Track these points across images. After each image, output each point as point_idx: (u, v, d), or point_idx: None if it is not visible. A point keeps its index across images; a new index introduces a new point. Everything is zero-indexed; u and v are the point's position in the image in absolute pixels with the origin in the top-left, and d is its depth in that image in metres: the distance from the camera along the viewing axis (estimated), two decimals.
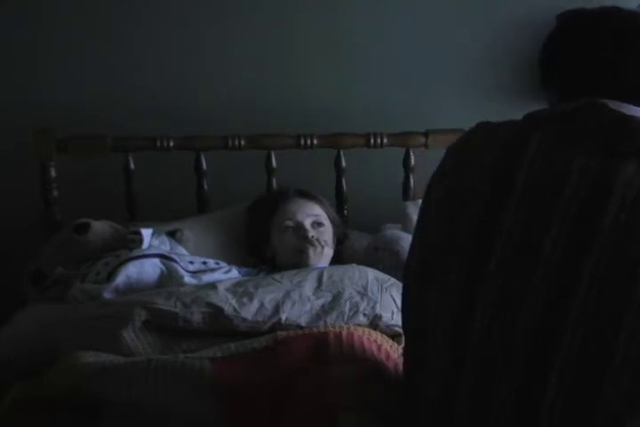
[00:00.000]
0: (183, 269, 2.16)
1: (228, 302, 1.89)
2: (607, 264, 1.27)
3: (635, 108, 1.41)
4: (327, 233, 2.33)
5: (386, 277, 2.06)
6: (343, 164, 2.65)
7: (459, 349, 1.36)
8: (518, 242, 1.33)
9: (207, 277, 2.15)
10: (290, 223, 2.31)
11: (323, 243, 2.27)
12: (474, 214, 1.37)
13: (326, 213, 2.39)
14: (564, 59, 1.52)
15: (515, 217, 1.33)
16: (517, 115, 2.94)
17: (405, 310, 1.54)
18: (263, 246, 2.35)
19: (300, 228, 2.29)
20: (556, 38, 1.57)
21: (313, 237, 2.27)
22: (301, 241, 2.26)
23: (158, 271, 2.15)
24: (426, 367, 1.42)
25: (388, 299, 1.96)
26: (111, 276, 2.10)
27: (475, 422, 1.35)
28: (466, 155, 1.46)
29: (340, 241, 2.42)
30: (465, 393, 1.35)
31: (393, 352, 1.79)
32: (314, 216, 2.34)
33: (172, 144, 2.56)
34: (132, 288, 2.08)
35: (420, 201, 2.43)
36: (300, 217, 2.31)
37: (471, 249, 1.36)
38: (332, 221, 2.39)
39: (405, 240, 2.30)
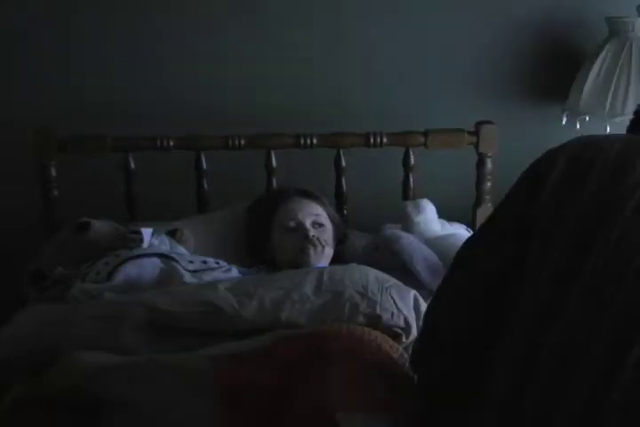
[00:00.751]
0: (183, 268, 2.15)
1: (228, 302, 1.89)
2: None
3: None
4: (328, 233, 2.33)
5: (386, 277, 2.06)
6: (343, 163, 2.65)
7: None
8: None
9: (207, 277, 2.15)
10: (291, 223, 2.31)
11: (323, 243, 2.27)
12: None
13: (327, 212, 2.39)
14: None
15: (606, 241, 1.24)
16: (517, 114, 2.97)
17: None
18: (263, 246, 2.35)
19: (300, 227, 2.29)
20: None
21: (314, 236, 2.27)
22: (302, 241, 2.26)
23: (158, 271, 2.15)
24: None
25: (389, 299, 1.96)
26: (111, 275, 2.10)
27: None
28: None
29: (340, 241, 2.42)
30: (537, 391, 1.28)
31: (393, 352, 1.79)
32: (315, 216, 2.33)
33: (171, 144, 2.56)
34: (132, 288, 2.08)
35: (424, 200, 2.47)
36: (300, 217, 2.31)
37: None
38: (333, 221, 2.39)
39: (405, 240, 2.31)
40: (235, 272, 2.23)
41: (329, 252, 2.29)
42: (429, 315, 1.52)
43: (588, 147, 1.34)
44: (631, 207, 1.25)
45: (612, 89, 2.58)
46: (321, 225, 2.33)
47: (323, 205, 2.40)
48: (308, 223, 2.31)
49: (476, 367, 1.39)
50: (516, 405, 1.26)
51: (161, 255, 2.19)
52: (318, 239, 2.26)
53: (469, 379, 1.40)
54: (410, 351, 1.90)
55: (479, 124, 2.61)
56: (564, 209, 1.29)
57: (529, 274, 1.31)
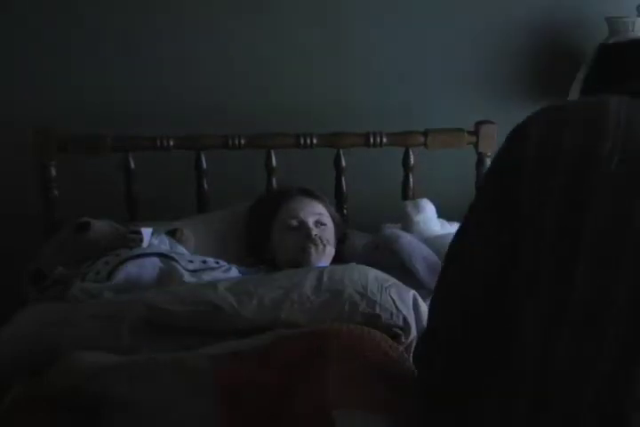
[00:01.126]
0: (183, 268, 2.16)
1: (227, 301, 1.89)
2: None
3: None
4: (330, 232, 2.33)
5: (386, 277, 2.05)
6: (343, 163, 2.65)
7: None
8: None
9: (207, 277, 2.15)
10: (293, 222, 2.30)
11: (325, 242, 2.27)
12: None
13: (329, 212, 2.39)
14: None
15: (609, 187, 1.25)
16: (517, 114, 2.96)
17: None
18: (264, 245, 2.35)
19: (303, 226, 2.29)
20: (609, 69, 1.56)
21: (316, 235, 2.27)
22: (304, 239, 2.26)
23: (158, 270, 2.15)
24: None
25: (388, 299, 1.96)
26: (111, 275, 2.10)
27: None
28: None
29: (340, 240, 2.42)
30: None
31: (392, 352, 1.79)
32: (317, 215, 2.33)
33: (172, 144, 2.56)
34: (132, 287, 2.08)
35: (424, 200, 2.47)
36: (303, 215, 2.31)
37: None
38: (334, 221, 2.39)
39: (405, 239, 2.31)
40: (234, 272, 2.23)
41: (330, 251, 2.29)
42: (429, 313, 1.52)
43: (553, 124, 1.34)
44: (614, 165, 1.26)
45: None
46: (323, 224, 2.33)
47: (325, 204, 2.40)
48: (310, 222, 2.31)
49: (474, 366, 1.39)
50: (543, 366, 1.26)
51: (161, 255, 2.19)
52: (320, 238, 2.26)
53: (468, 378, 1.40)
54: (410, 351, 1.91)
55: (479, 123, 2.61)
56: (548, 183, 1.28)
57: (527, 255, 1.30)
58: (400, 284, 2.05)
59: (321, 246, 2.25)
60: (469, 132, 2.62)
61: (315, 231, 2.28)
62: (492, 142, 2.60)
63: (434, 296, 1.49)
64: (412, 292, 2.04)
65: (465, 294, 1.40)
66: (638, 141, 1.27)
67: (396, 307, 1.95)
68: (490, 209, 1.36)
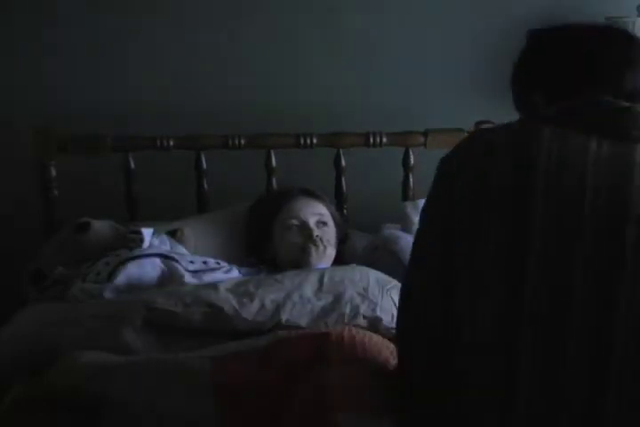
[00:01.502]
0: (184, 268, 2.15)
1: (228, 302, 1.89)
2: None
3: None
4: (331, 233, 2.33)
5: (387, 279, 2.06)
6: (343, 163, 2.65)
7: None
8: (554, 241, 1.34)
9: (208, 277, 2.15)
10: (294, 222, 2.30)
11: (326, 242, 2.26)
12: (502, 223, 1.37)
13: (330, 212, 2.38)
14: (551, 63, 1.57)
15: (544, 213, 1.34)
16: (516, 114, 2.94)
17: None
18: (265, 245, 2.35)
19: (304, 226, 2.29)
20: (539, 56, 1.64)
21: (317, 236, 2.26)
22: (305, 240, 2.26)
23: (159, 271, 2.15)
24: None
25: (389, 301, 1.96)
26: (111, 275, 2.10)
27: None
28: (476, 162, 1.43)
29: (342, 241, 2.41)
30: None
31: (393, 357, 1.79)
32: (318, 215, 2.33)
33: (172, 144, 2.57)
34: (133, 288, 2.08)
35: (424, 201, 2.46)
36: (304, 216, 2.31)
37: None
38: (335, 221, 2.38)
39: (404, 240, 2.30)
40: (235, 273, 2.23)
41: (331, 252, 2.29)
42: (398, 316, 1.56)
43: (483, 162, 1.41)
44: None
45: None
46: (325, 225, 2.32)
47: (326, 204, 2.39)
48: (312, 223, 2.30)
49: (448, 363, 1.42)
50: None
51: (161, 255, 2.18)
52: (321, 239, 2.26)
53: (448, 376, 1.42)
54: None
55: (479, 123, 2.61)
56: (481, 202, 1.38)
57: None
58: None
59: (321, 247, 2.25)
60: (469, 133, 2.61)
61: (316, 232, 2.28)
62: None
63: (400, 298, 1.54)
64: None
65: (428, 297, 1.46)
66: (568, 173, 1.34)
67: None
68: (438, 235, 1.44)
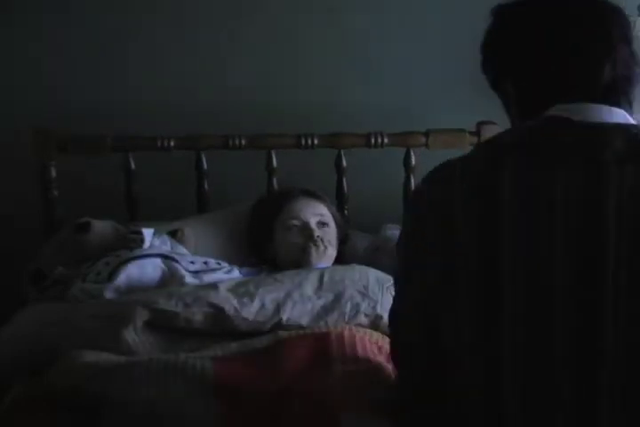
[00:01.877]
0: (184, 268, 2.15)
1: (229, 302, 1.89)
2: (628, 247, 1.27)
3: (602, 107, 1.37)
4: (331, 233, 2.33)
5: (387, 277, 2.05)
6: (344, 163, 2.65)
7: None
8: (526, 268, 1.31)
9: (208, 278, 2.15)
10: (295, 222, 2.30)
11: (326, 243, 2.27)
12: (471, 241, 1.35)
13: (331, 212, 2.38)
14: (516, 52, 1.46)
15: (511, 240, 1.31)
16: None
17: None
18: (266, 245, 2.35)
19: (305, 227, 2.29)
20: (502, 31, 1.52)
21: (318, 236, 2.26)
22: (306, 240, 2.26)
23: (159, 271, 2.14)
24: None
25: (389, 299, 1.95)
26: (112, 275, 2.10)
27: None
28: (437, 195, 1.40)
29: (342, 242, 2.41)
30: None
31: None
32: (319, 216, 2.33)
33: (172, 144, 2.56)
34: (133, 288, 2.08)
35: None
36: (305, 216, 2.31)
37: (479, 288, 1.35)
38: (336, 221, 2.38)
39: None
40: (236, 273, 2.23)
41: (332, 252, 2.29)
42: (391, 319, 1.55)
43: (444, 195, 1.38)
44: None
45: None
46: (325, 225, 2.32)
47: (327, 205, 2.39)
48: (312, 223, 2.30)
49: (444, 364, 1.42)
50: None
51: (162, 256, 2.18)
52: (322, 239, 2.26)
53: (447, 378, 1.42)
54: None
55: (480, 124, 2.61)
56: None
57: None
58: None
59: (322, 247, 2.25)
60: (471, 133, 2.61)
61: (317, 232, 2.28)
62: None
63: (395, 307, 1.53)
64: None
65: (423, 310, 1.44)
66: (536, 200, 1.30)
67: None
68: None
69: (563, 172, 1.30)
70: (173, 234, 2.35)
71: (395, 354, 1.56)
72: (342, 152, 2.64)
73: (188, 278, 2.12)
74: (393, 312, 1.54)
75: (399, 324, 1.52)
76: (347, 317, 1.91)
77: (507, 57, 1.48)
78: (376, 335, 1.85)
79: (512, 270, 1.31)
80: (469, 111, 2.72)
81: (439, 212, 1.37)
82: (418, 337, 1.45)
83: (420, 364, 1.47)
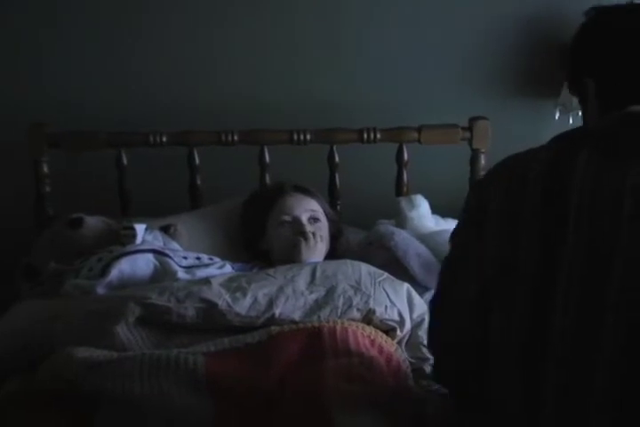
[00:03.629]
0: (177, 264, 2.15)
1: (221, 297, 1.89)
2: None
3: None
4: (323, 229, 2.33)
5: (379, 271, 2.06)
6: (336, 159, 2.65)
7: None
8: (584, 268, 1.31)
9: (201, 273, 2.15)
10: (287, 218, 2.30)
11: (318, 238, 2.26)
12: (531, 244, 1.36)
13: (323, 208, 2.38)
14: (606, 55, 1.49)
15: (575, 243, 1.32)
16: (510, 110, 2.96)
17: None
18: (258, 241, 2.35)
19: (296, 222, 2.29)
20: (592, 33, 1.55)
21: (310, 231, 2.26)
22: (297, 236, 2.26)
23: (152, 267, 2.14)
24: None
25: (382, 293, 1.96)
26: (104, 271, 2.09)
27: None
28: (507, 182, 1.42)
29: (335, 237, 2.41)
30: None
31: (387, 346, 1.79)
32: (311, 211, 2.33)
33: (164, 139, 2.56)
34: (126, 284, 2.08)
35: (418, 196, 2.47)
36: (297, 212, 2.31)
37: (535, 278, 1.35)
38: (329, 217, 2.38)
39: (399, 236, 2.30)
40: (228, 268, 2.22)
41: (322, 247, 2.29)
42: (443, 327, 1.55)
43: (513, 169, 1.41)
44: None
45: None
46: (317, 220, 2.32)
47: (319, 200, 2.39)
48: (304, 219, 2.30)
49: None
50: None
51: (154, 251, 2.18)
52: (313, 234, 2.26)
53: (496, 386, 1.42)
54: (403, 345, 1.92)
55: (473, 119, 2.61)
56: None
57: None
58: (393, 278, 2.05)
59: (312, 242, 2.24)
60: (463, 129, 2.61)
61: (309, 228, 2.28)
62: (486, 138, 2.60)
63: (437, 313, 1.53)
64: (406, 285, 2.05)
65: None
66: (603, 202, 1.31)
67: (390, 300, 1.95)
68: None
69: (637, 166, 1.31)
70: (166, 229, 2.35)
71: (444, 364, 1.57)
72: (335, 148, 2.64)
73: (181, 274, 2.12)
74: (438, 302, 1.54)
75: (445, 318, 1.52)
76: (339, 311, 1.90)
77: (595, 55, 1.52)
78: (369, 329, 1.85)
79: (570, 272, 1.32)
80: (462, 107, 2.73)
81: (505, 201, 1.39)
82: (467, 332, 1.46)
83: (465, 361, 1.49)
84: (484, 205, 1.43)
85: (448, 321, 1.51)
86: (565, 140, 1.43)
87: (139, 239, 2.22)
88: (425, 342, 1.93)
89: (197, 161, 2.62)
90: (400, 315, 1.95)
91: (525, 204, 1.37)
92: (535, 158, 1.40)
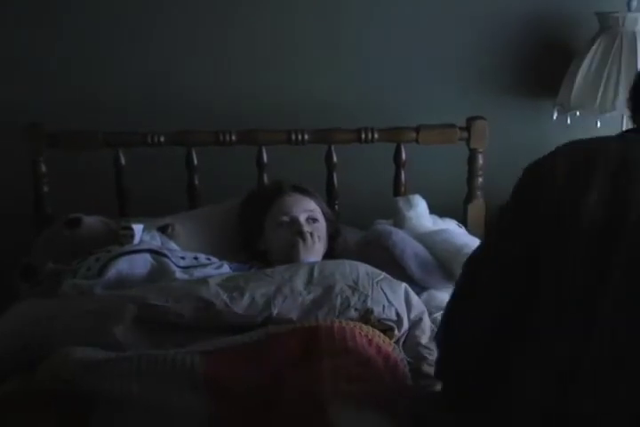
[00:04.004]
0: (174, 264, 2.15)
1: (219, 297, 1.89)
2: None
3: None
4: (321, 229, 2.33)
5: (377, 271, 2.06)
6: (334, 159, 2.65)
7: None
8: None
9: (198, 273, 2.14)
10: (285, 218, 2.30)
11: (315, 238, 2.26)
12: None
13: (321, 208, 2.38)
14: None
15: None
16: (508, 110, 2.96)
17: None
18: (256, 241, 2.35)
19: (294, 223, 2.29)
20: None
21: (307, 231, 2.26)
22: (295, 236, 2.26)
23: (149, 267, 2.14)
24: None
25: (379, 293, 1.96)
26: (102, 271, 2.09)
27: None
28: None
29: (333, 237, 2.41)
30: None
31: (385, 346, 1.79)
32: (309, 211, 2.33)
33: (162, 139, 2.56)
34: (124, 283, 2.07)
35: (416, 196, 2.47)
36: (295, 212, 2.31)
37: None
38: (327, 217, 2.38)
39: (397, 235, 2.31)
40: (226, 269, 2.22)
41: (319, 247, 2.29)
42: (454, 326, 1.55)
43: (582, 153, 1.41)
44: None
45: (603, 84, 2.58)
46: (315, 221, 2.32)
47: (317, 200, 2.39)
48: (302, 219, 2.30)
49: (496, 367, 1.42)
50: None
51: (152, 251, 2.18)
52: (311, 234, 2.26)
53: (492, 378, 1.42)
54: (401, 345, 1.91)
55: (470, 119, 2.61)
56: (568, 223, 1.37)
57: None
58: (391, 278, 2.05)
59: (310, 242, 2.24)
60: (461, 128, 2.61)
61: (307, 228, 2.28)
62: (484, 138, 2.60)
63: (457, 309, 1.53)
64: (404, 284, 2.04)
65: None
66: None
67: (388, 300, 1.95)
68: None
69: None
70: (163, 229, 2.35)
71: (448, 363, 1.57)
72: (333, 147, 2.64)
73: (178, 274, 2.12)
74: (465, 289, 1.54)
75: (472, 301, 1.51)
76: (337, 311, 1.90)
77: None
78: (366, 329, 1.85)
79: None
80: (459, 107, 2.73)
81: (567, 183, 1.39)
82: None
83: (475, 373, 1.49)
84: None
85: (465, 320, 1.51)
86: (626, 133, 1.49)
87: (136, 239, 2.22)
88: (423, 341, 1.93)
89: (195, 161, 2.62)
90: (398, 315, 1.95)
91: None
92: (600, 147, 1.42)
